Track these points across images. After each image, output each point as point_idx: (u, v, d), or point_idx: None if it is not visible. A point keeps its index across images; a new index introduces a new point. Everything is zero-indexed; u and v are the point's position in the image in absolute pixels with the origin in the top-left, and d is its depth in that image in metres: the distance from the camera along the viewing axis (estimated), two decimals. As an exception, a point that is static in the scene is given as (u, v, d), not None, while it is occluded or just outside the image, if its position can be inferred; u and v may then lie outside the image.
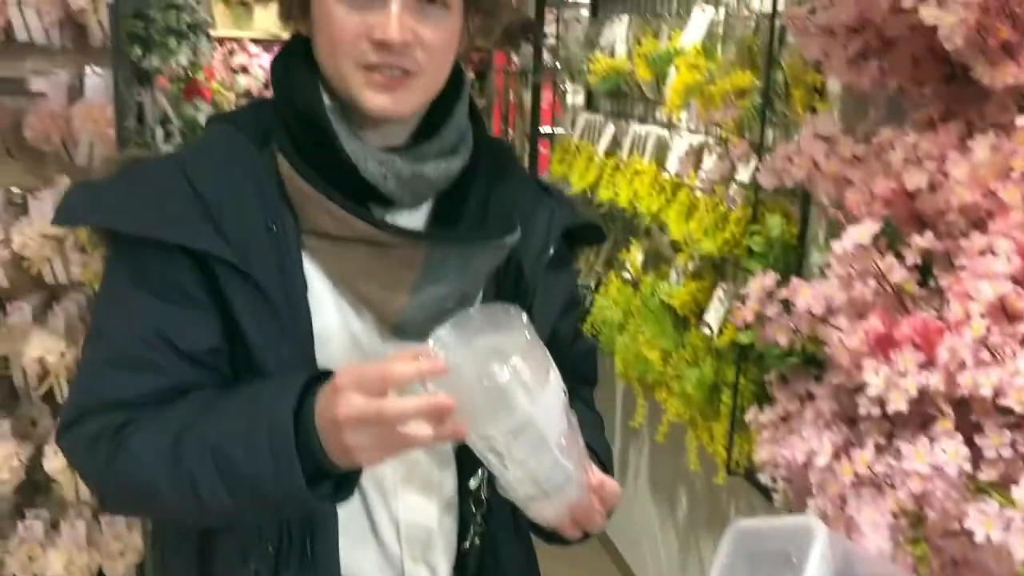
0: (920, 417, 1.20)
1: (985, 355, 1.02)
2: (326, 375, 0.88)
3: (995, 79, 1.19)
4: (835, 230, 1.73)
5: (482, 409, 0.84)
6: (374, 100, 0.95)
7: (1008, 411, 1.03)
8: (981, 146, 1.20)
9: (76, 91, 2.47)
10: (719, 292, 1.98)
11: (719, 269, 2.18)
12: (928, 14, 1.18)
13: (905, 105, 1.53)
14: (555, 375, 0.89)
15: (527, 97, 3.84)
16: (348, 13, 0.94)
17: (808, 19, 1.41)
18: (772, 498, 1.90)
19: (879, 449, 1.11)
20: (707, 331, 1.98)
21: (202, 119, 2.78)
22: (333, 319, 0.99)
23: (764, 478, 1.51)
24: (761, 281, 1.38)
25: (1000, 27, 1.17)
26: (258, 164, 0.99)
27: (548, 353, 0.90)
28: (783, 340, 1.26)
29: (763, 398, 1.86)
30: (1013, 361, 0.98)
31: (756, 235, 1.70)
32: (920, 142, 1.26)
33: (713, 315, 1.97)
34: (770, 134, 1.92)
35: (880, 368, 1.05)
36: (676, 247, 2.18)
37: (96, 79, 2.39)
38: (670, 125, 2.46)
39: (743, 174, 1.90)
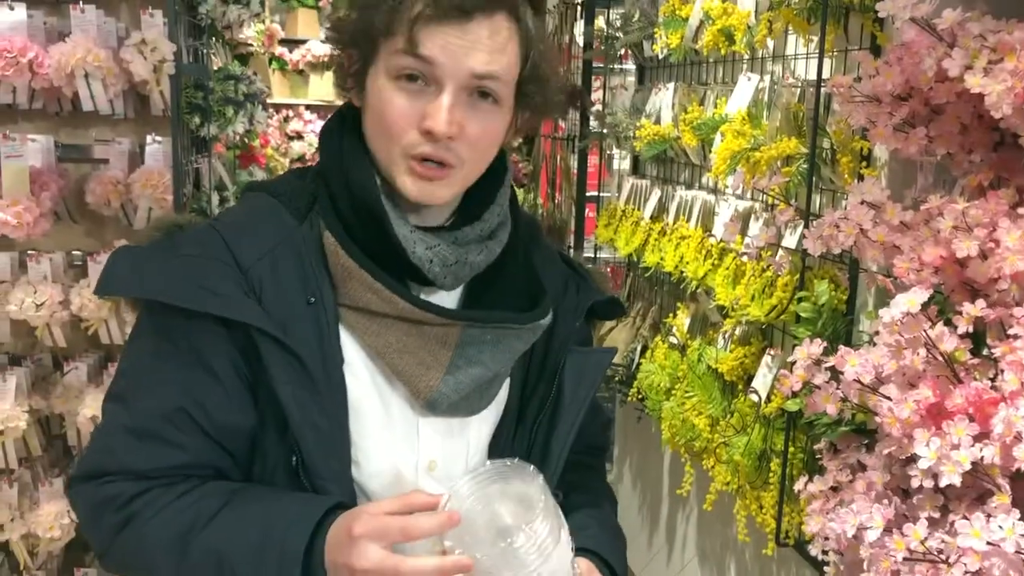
0: (975, 490, 1.17)
1: (1042, 428, 0.99)
2: (343, 506, 0.92)
3: (1045, 147, 1.18)
4: (884, 298, 1.71)
5: (495, 567, 0.87)
6: (414, 187, 0.98)
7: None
8: (1033, 213, 1.18)
9: (137, 158, 2.56)
10: (767, 358, 1.96)
11: (766, 334, 2.16)
12: (974, 83, 1.18)
13: (953, 172, 1.52)
14: (566, 534, 0.92)
15: (574, 162, 3.88)
16: (402, 99, 0.96)
17: (853, 87, 1.41)
18: (824, 571, 1.85)
19: (932, 523, 1.08)
20: (755, 398, 1.95)
21: (256, 185, 2.85)
22: (367, 392, 1.01)
23: (815, 550, 1.46)
24: (807, 348, 1.36)
25: (1048, 95, 1.16)
26: (297, 235, 1.00)
27: (560, 512, 0.93)
28: (831, 409, 1.24)
29: (812, 467, 1.82)
30: (1071, 434, 0.95)
31: (804, 301, 1.69)
32: (969, 209, 1.25)
33: (761, 381, 1.94)
34: (817, 200, 1.91)
35: (932, 440, 1.02)
36: (723, 312, 2.17)
37: (156, 147, 2.48)
38: (716, 191, 2.47)
39: (790, 240, 1.89)
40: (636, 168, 3.36)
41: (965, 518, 1.13)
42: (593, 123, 3.51)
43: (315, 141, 5.71)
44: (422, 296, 1.01)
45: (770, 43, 2.11)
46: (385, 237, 0.97)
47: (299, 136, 6.15)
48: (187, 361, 0.96)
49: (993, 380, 1.18)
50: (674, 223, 2.56)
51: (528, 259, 1.09)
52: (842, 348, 1.21)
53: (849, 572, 1.38)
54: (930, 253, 1.28)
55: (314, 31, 6.14)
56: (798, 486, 1.63)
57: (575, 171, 3.81)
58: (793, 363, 1.30)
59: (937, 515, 1.16)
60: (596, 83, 3.74)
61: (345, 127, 1.03)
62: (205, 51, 2.57)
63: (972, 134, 1.41)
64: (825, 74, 1.75)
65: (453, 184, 1.00)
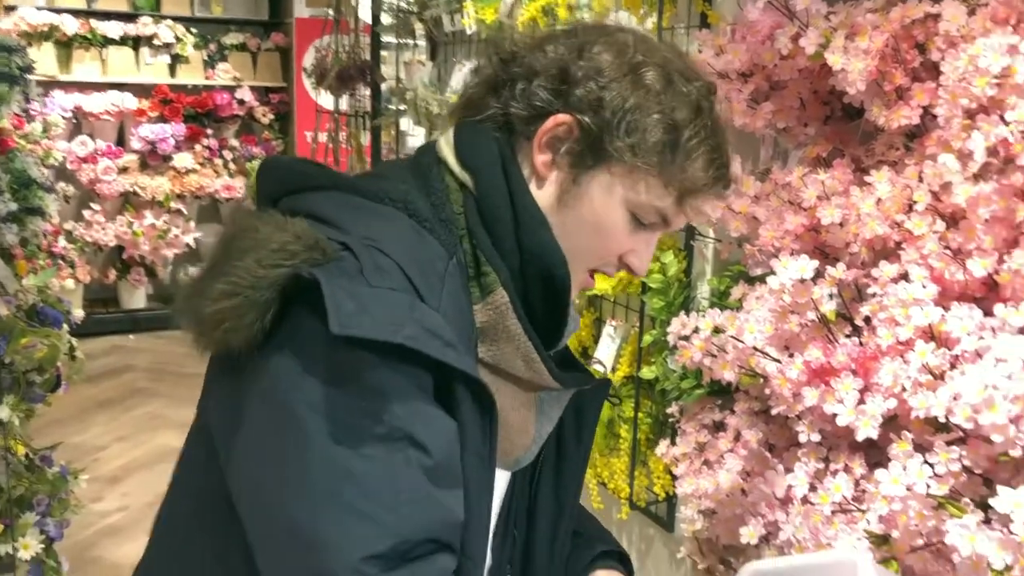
0: (845, 439, 1.26)
1: (926, 378, 1.09)
2: None
3: (890, 120, 1.29)
4: (721, 266, 1.81)
5: None
6: (575, 289, 0.96)
7: (946, 428, 1.10)
8: (882, 181, 1.29)
9: None
10: (608, 329, 2.01)
11: (595, 305, 2.22)
12: (835, 61, 1.27)
13: (788, 144, 1.63)
14: None
15: (365, 139, 3.78)
16: (627, 232, 0.93)
17: (710, 65, 1.47)
18: (673, 530, 1.95)
19: (822, 475, 1.16)
20: (600, 368, 2.01)
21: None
22: None
23: (688, 510, 1.53)
24: (682, 320, 1.41)
25: (895, 73, 1.27)
26: (455, 277, 0.88)
27: None
28: (731, 376, 1.30)
29: (660, 431, 1.91)
30: (953, 382, 1.05)
31: (654, 273, 1.75)
32: (826, 180, 1.34)
33: (605, 352, 2.00)
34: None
35: (847, 396, 1.09)
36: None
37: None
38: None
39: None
40: (435, 145, 3.33)
41: (847, 468, 1.22)
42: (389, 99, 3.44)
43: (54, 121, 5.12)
44: None
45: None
46: (558, 314, 0.94)
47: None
48: (422, 410, 0.81)
49: (849, 337, 1.28)
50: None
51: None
52: (739, 316, 1.26)
53: (725, 527, 1.45)
54: (792, 221, 1.36)
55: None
56: (660, 450, 1.70)
57: (368, 148, 3.72)
58: (687, 334, 1.34)
59: (821, 466, 1.25)
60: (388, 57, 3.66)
61: (511, 174, 0.92)
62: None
63: (808, 109, 1.52)
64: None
65: None
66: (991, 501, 0.95)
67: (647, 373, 1.77)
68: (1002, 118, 1.10)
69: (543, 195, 0.92)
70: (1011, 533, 0.96)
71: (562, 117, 0.90)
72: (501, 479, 1.02)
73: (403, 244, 0.84)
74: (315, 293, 0.75)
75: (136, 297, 5.73)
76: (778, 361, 1.21)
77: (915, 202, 1.25)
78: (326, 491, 0.75)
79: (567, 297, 0.93)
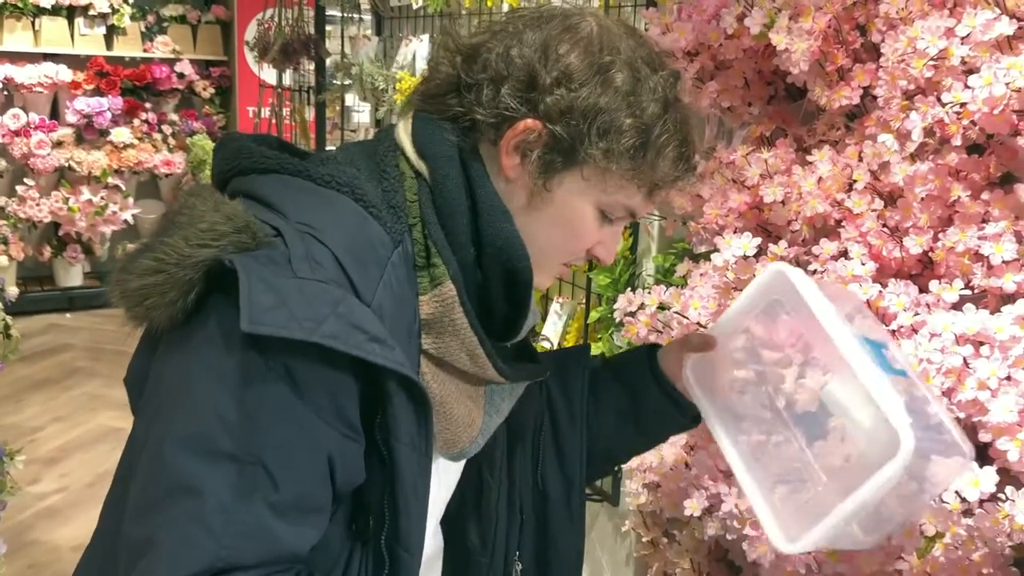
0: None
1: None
2: None
3: (832, 100, 1.31)
4: (667, 243, 1.83)
5: None
6: (545, 283, 0.98)
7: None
8: (823, 160, 1.31)
9: None
10: (555, 306, 2.03)
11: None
12: (779, 40, 1.28)
13: (731, 123, 1.65)
14: None
15: (310, 115, 3.73)
16: (596, 225, 0.94)
17: (658, 44, 1.47)
18: (619, 503, 1.97)
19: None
20: (547, 344, 2.02)
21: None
22: None
23: (633, 485, 1.56)
24: (628, 297, 1.43)
25: (837, 54, 1.29)
26: (399, 267, 0.86)
27: None
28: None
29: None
30: (890, 356, 1.08)
31: (601, 249, 1.76)
32: (769, 159, 1.36)
33: (551, 329, 2.01)
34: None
35: (787, 372, 1.12)
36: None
37: None
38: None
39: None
40: (380, 123, 3.30)
41: (787, 440, 1.25)
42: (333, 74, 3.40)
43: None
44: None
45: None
46: (519, 310, 0.93)
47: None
48: (330, 416, 0.79)
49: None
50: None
51: None
52: (684, 292, 1.28)
53: (669, 500, 1.48)
54: (735, 199, 1.38)
55: None
56: (606, 425, 1.71)
57: (313, 123, 3.67)
58: (633, 310, 1.35)
59: (763, 438, 1.28)
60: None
61: (470, 167, 0.91)
62: None
63: (752, 88, 1.54)
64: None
65: None
66: (925, 473, 0.98)
67: (594, 350, 1.78)
68: (939, 99, 1.13)
69: (510, 197, 0.91)
70: (943, 502, 1.00)
71: (531, 123, 0.89)
72: (453, 470, 1.02)
73: (342, 232, 0.82)
74: (236, 281, 0.74)
75: (72, 275, 5.59)
76: (721, 337, 1.23)
77: (855, 181, 1.27)
78: (166, 495, 0.74)
79: (529, 290, 0.92)
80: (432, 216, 0.89)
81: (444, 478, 1.01)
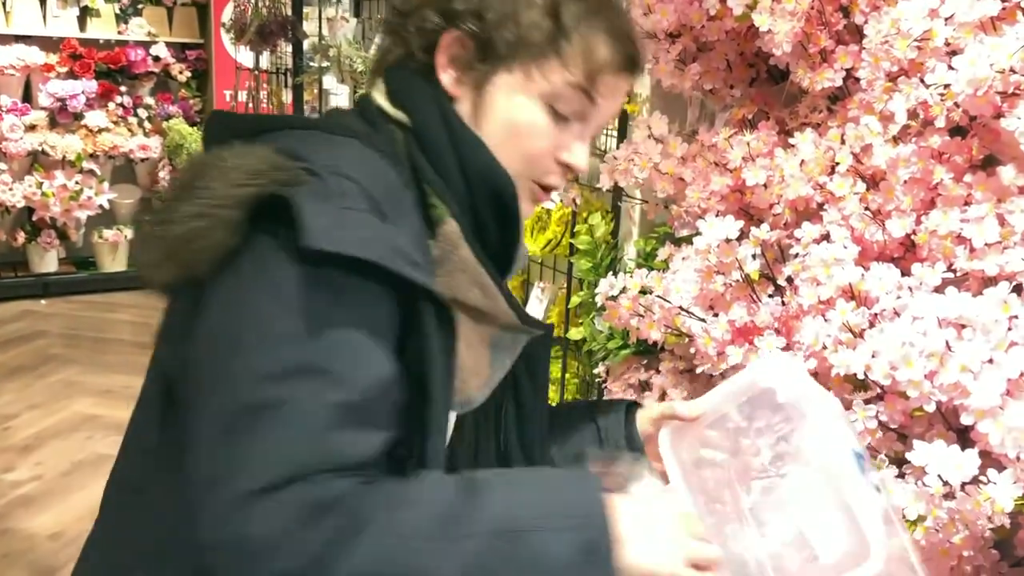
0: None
1: (846, 336, 1.11)
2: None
3: (814, 82, 1.30)
4: (648, 227, 1.82)
5: None
6: (528, 208, 0.97)
7: (864, 386, 1.13)
8: (805, 143, 1.30)
9: None
10: (536, 291, 2.01)
11: (523, 267, 2.21)
12: (761, 22, 1.27)
13: (714, 106, 1.64)
14: None
15: (287, 97, 3.69)
16: (550, 126, 0.93)
17: (638, 24, 1.46)
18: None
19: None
20: (527, 330, 2.01)
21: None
22: None
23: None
24: (609, 281, 1.42)
25: (820, 35, 1.28)
26: (415, 206, 0.90)
27: None
28: (656, 336, 1.30)
29: (586, 391, 1.92)
30: (872, 339, 1.07)
31: (582, 235, 1.75)
32: (751, 141, 1.35)
33: (533, 313, 2.00)
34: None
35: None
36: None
37: None
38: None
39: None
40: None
41: (768, 426, 1.25)
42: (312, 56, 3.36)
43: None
44: None
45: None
46: (510, 235, 0.94)
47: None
48: (375, 330, 0.80)
49: (772, 296, 1.31)
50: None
51: None
52: (666, 276, 1.27)
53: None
54: (718, 182, 1.37)
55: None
56: (587, 410, 1.71)
57: (290, 106, 3.63)
58: (617, 295, 1.34)
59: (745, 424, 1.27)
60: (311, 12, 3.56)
61: (442, 103, 0.93)
62: None
63: (734, 71, 1.53)
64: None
65: None
66: (907, 455, 0.97)
67: (575, 334, 1.77)
68: (922, 80, 1.12)
69: (462, 114, 0.94)
70: (925, 485, 1.00)
71: (451, 34, 0.92)
72: (450, 423, 1.01)
73: (365, 168, 0.84)
74: (283, 213, 0.76)
75: (47, 260, 5.51)
76: (703, 320, 1.22)
77: (837, 164, 1.27)
78: (243, 411, 0.74)
79: (515, 208, 0.94)
80: (422, 160, 0.92)
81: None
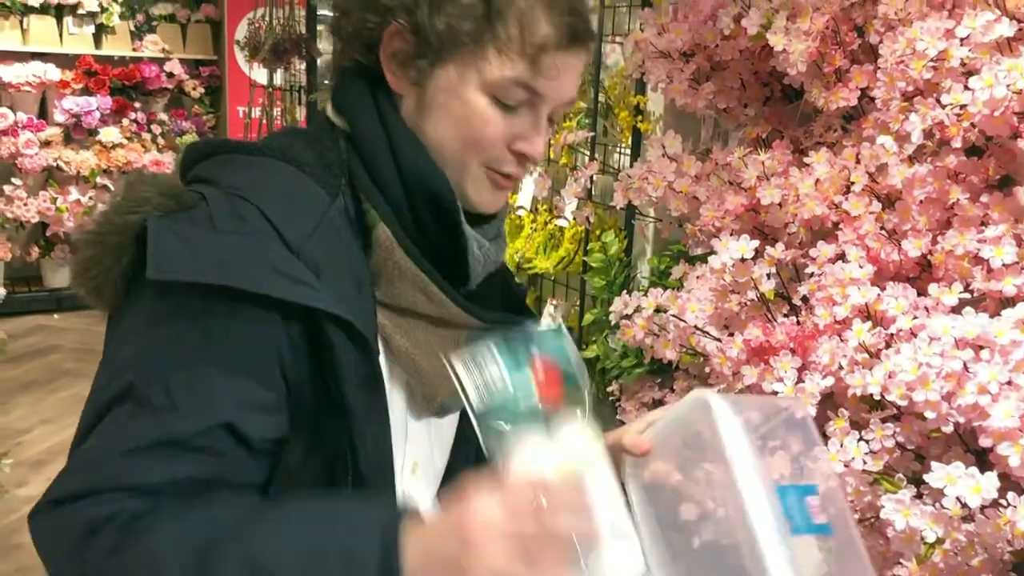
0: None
1: (862, 356, 1.11)
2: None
3: (829, 101, 1.31)
4: (661, 245, 1.82)
5: None
6: (490, 198, 0.93)
7: (880, 405, 1.13)
8: (820, 162, 1.30)
9: None
10: (549, 308, 2.01)
11: (535, 284, 2.22)
12: (776, 41, 1.27)
13: (727, 125, 1.64)
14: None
15: (300, 114, 3.71)
16: (498, 116, 0.89)
17: (652, 43, 1.47)
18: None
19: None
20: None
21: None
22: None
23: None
24: (624, 299, 1.42)
25: (835, 55, 1.28)
26: (334, 214, 0.86)
27: None
28: (672, 355, 1.30)
29: (598, 410, 1.91)
30: (888, 360, 1.07)
31: (595, 252, 1.75)
32: (766, 160, 1.35)
33: (545, 331, 2.00)
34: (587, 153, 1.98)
35: (786, 374, 1.11)
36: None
37: None
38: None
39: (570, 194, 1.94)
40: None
41: (784, 445, 1.24)
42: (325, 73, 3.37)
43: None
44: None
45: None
46: (454, 238, 0.90)
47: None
48: (235, 361, 0.79)
49: (787, 316, 1.30)
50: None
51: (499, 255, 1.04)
52: (681, 295, 1.27)
53: (664, 504, 1.47)
54: (732, 201, 1.37)
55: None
56: (600, 428, 1.70)
57: (303, 123, 3.64)
58: (631, 314, 1.34)
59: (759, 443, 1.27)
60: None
61: (381, 105, 0.90)
62: None
63: (748, 90, 1.53)
64: (606, 29, 1.80)
65: (509, 192, 0.97)
66: (925, 477, 0.97)
67: (588, 352, 1.77)
68: (938, 101, 1.12)
69: (407, 112, 0.91)
70: (943, 507, 0.99)
71: (389, 31, 0.89)
72: (445, 430, 1.00)
73: (270, 189, 0.84)
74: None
75: (60, 275, 5.54)
76: (718, 340, 1.22)
77: (852, 183, 1.27)
78: (81, 435, 0.81)
79: (455, 214, 0.90)
80: (358, 165, 0.90)
81: (436, 439, 1.00)
